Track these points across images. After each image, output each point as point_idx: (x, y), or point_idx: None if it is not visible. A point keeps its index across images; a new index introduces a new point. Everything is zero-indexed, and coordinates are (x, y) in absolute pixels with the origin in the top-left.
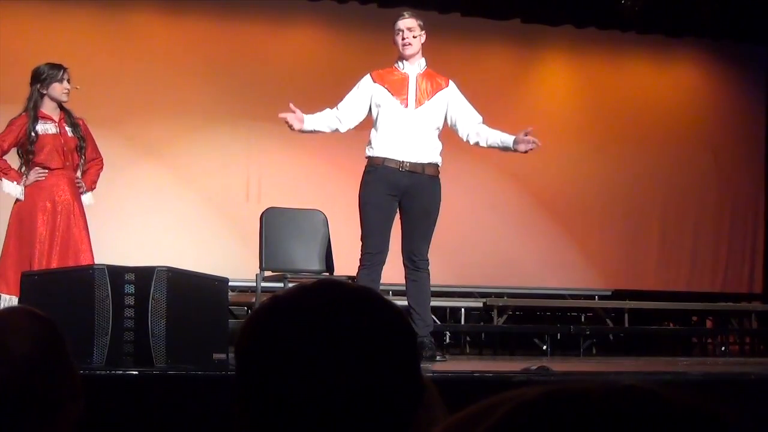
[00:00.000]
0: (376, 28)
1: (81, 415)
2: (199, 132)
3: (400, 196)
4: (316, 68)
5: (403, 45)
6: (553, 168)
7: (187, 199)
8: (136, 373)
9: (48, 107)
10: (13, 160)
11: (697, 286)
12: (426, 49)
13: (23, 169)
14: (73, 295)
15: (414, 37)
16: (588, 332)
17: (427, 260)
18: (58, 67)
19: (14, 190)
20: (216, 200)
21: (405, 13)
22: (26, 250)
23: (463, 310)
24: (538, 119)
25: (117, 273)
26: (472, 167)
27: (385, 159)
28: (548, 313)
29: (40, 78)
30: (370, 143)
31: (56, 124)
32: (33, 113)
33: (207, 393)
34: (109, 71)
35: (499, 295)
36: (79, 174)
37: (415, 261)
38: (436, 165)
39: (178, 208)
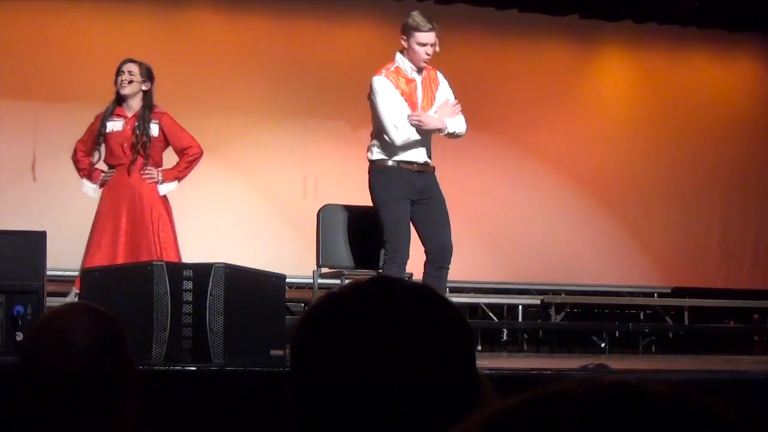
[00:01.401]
0: None
1: (140, 409)
2: (256, 129)
3: (414, 198)
4: (373, 66)
5: (424, 59)
6: (612, 164)
7: (245, 196)
8: (194, 368)
9: (127, 104)
10: None
11: (759, 284)
12: (484, 47)
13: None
14: (132, 291)
15: (435, 51)
16: (647, 330)
17: None
18: (125, 59)
19: (89, 189)
20: (273, 197)
21: (427, 23)
22: (95, 249)
23: (520, 307)
24: (597, 115)
25: (175, 269)
26: (529, 164)
27: (399, 162)
28: (606, 311)
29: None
30: (379, 147)
31: (126, 120)
32: (108, 110)
33: (264, 389)
34: (167, 69)
35: (557, 292)
36: (151, 169)
37: (447, 257)
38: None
39: (235, 205)
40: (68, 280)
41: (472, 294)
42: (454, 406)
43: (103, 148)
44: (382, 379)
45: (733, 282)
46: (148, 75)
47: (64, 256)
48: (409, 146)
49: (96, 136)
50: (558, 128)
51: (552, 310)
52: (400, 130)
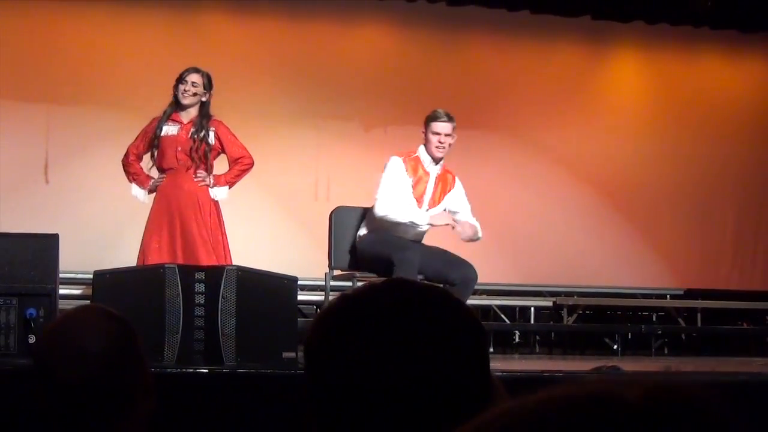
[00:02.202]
0: (444, 27)
1: (153, 411)
2: (268, 131)
3: None
4: (385, 67)
5: (438, 148)
6: (624, 165)
7: (257, 198)
8: (206, 371)
9: (185, 111)
10: None
11: None
12: (496, 48)
13: (151, 171)
14: (144, 294)
15: (450, 144)
16: (660, 332)
17: None
18: (187, 69)
19: (138, 194)
20: (285, 199)
21: (443, 114)
22: (153, 252)
23: (532, 309)
24: (609, 116)
25: (188, 272)
26: (541, 165)
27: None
28: (619, 312)
29: (176, 79)
30: (375, 226)
31: (181, 126)
32: (165, 114)
33: (276, 391)
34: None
35: (569, 294)
36: (203, 174)
37: (473, 285)
38: None
39: (247, 207)
40: (81, 283)
41: (484, 296)
42: (467, 409)
43: (155, 153)
44: (396, 381)
45: (747, 283)
46: (209, 85)
47: (77, 259)
48: (402, 233)
49: (150, 140)
50: (570, 129)
51: (564, 312)
52: (385, 206)
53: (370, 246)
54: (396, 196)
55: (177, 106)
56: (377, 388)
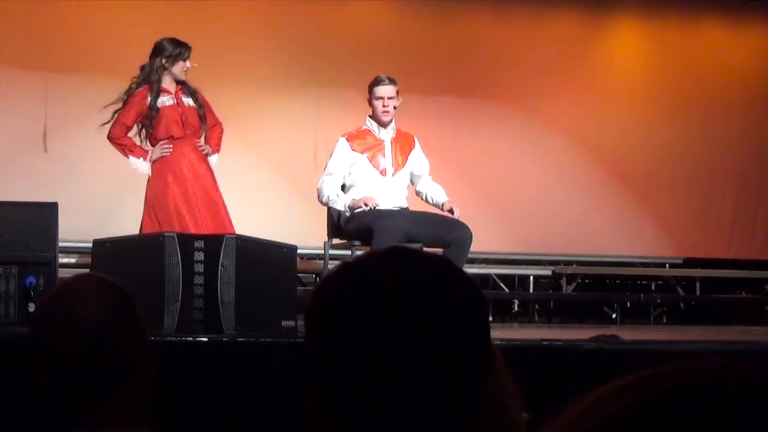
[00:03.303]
0: None
1: (152, 380)
2: (267, 100)
3: None
4: (384, 35)
5: (384, 112)
6: (623, 133)
7: (256, 166)
8: (206, 339)
9: (166, 81)
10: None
11: None
12: (496, 16)
13: (143, 143)
14: (143, 263)
15: (394, 107)
16: (658, 300)
17: None
18: (184, 45)
19: (141, 166)
20: (284, 167)
21: (384, 78)
22: (171, 220)
23: (531, 277)
24: (609, 84)
25: (187, 240)
26: (540, 134)
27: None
28: (618, 281)
29: (165, 54)
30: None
31: (173, 95)
32: (156, 88)
33: (275, 360)
34: None
35: (568, 263)
36: (202, 140)
37: (469, 243)
38: None
39: (246, 175)
40: (80, 251)
41: (483, 265)
42: (467, 377)
43: (152, 125)
44: (395, 349)
45: (746, 252)
46: None
47: (76, 228)
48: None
49: (145, 112)
50: (570, 98)
51: (563, 281)
52: (324, 183)
53: (350, 217)
54: (332, 178)
55: (163, 79)
56: (376, 356)
